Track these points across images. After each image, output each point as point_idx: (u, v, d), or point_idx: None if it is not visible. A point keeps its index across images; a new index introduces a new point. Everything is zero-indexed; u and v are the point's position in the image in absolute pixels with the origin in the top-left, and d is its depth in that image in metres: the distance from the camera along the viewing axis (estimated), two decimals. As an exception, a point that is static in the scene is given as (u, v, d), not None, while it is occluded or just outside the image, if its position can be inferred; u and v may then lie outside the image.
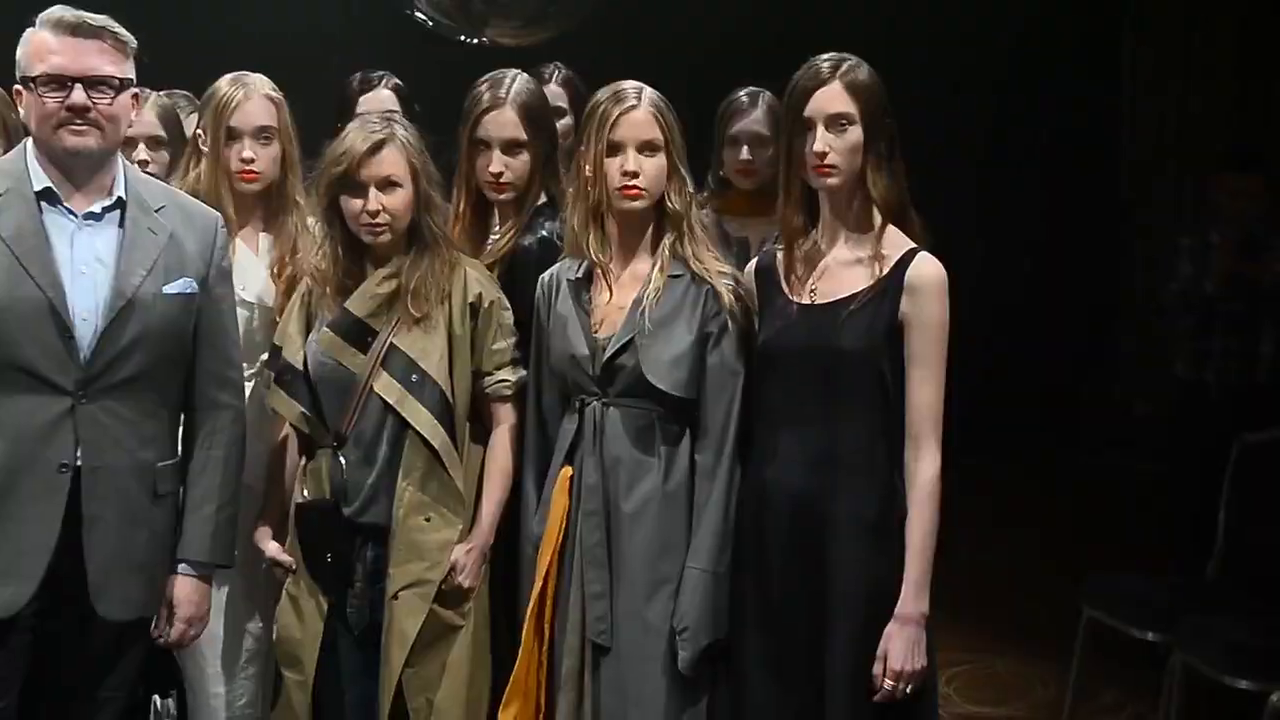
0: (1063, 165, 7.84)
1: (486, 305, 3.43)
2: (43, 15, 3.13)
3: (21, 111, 3.18)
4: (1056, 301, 7.50)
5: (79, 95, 3.08)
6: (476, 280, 3.45)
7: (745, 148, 4.11)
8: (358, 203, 3.35)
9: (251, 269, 3.65)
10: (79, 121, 3.10)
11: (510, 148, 3.53)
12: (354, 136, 3.39)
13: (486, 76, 3.61)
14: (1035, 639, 5.60)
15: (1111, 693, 5.28)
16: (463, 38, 5.34)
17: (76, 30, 3.10)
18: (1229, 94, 7.78)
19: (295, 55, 3.89)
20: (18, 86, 3.16)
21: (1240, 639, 4.60)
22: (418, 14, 5.32)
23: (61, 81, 3.08)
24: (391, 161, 3.36)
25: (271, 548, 3.50)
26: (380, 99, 4.33)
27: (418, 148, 3.44)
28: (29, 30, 3.14)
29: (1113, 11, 8.01)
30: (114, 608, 3.18)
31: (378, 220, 3.36)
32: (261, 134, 3.69)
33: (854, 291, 3.08)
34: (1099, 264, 7.93)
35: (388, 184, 3.36)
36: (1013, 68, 7.50)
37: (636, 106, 3.24)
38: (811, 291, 3.13)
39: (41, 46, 3.11)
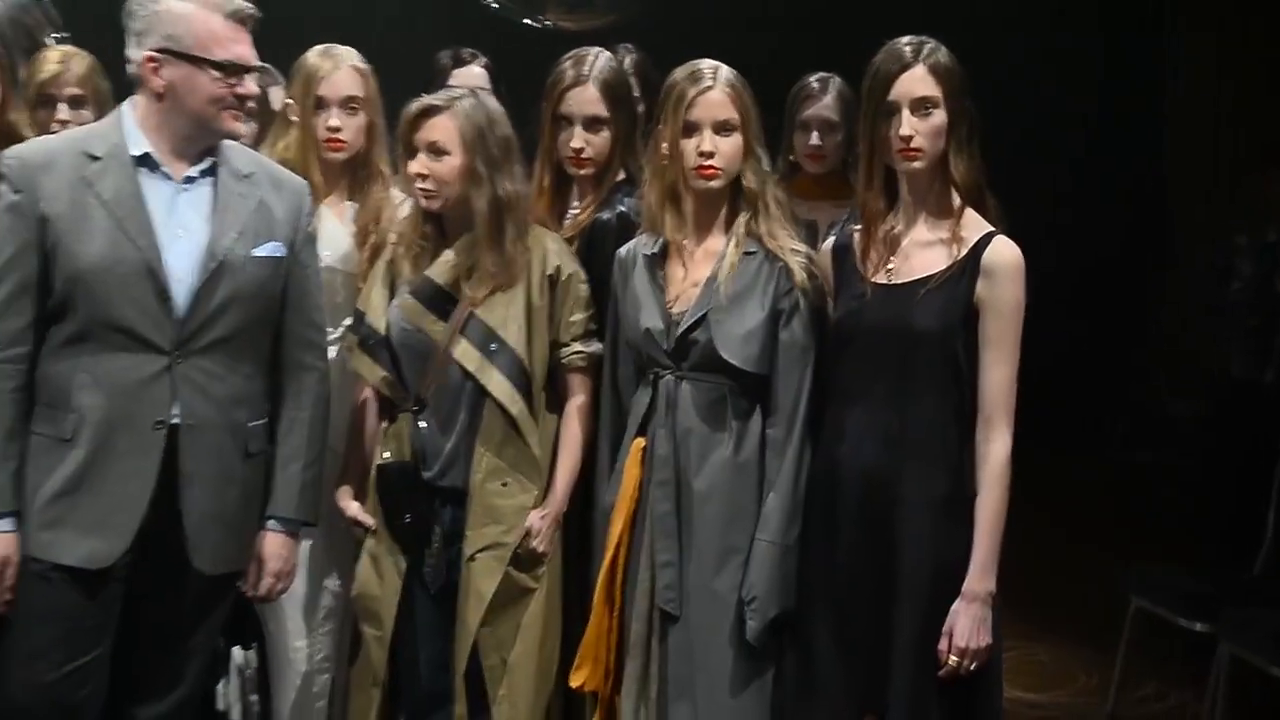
0: (1102, 161, 7.74)
1: (564, 278, 3.42)
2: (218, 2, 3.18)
3: (158, 81, 3.12)
4: (1101, 296, 7.39)
5: (252, 85, 3.14)
6: (555, 253, 3.43)
7: (815, 133, 4.07)
8: (411, 165, 3.39)
9: (337, 236, 3.65)
10: (239, 108, 3.14)
11: (591, 124, 3.50)
12: (417, 106, 3.41)
13: (570, 54, 3.60)
14: (1079, 628, 5.57)
15: (1153, 683, 5.22)
16: (525, 20, 5.35)
17: (248, 23, 3.16)
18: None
19: (370, 37, 3.84)
20: (151, 56, 3.11)
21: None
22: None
23: (240, 71, 3.10)
24: (442, 128, 3.36)
25: (353, 507, 3.51)
26: (471, 75, 4.35)
27: (481, 122, 3.39)
28: (193, 7, 3.11)
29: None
30: (207, 562, 3.19)
31: (425, 185, 3.37)
32: (348, 104, 3.69)
33: (931, 272, 3.03)
34: (1137, 259, 7.87)
35: (436, 149, 3.35)
36: (1054, 59, 7.42)
37: (713, 87, 3.19)
38: (888, 271, 3.08)
39: (222, 34, 3.12)
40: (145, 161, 3.12)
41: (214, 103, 3.12)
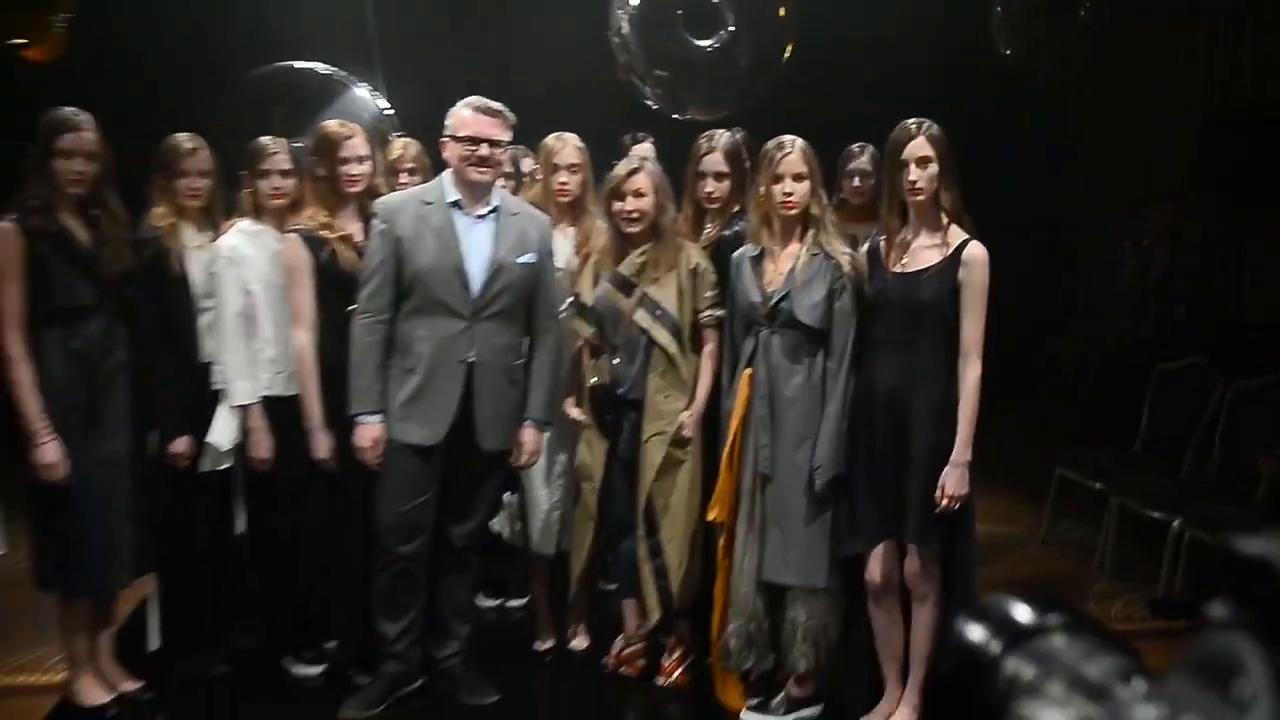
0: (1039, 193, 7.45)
1: (700, 271, 3.40)
2: (467, 100, 3.23)
3: (447, 153, 3.24)
4: (1038, 280, 7.21)
5: (484, 150, 3.18)
6: (695, 255, 3.43)
7: (856, 179, 4.05)
8: (619, 205, 3.38)
9: (563, 250, 3.63)
10: (482, 166, 3.20)
11: (718, 177, 3.47)
12: (621, 166, 3.43)
13: (705, 133, 3.54)
14: (1021, 489, 5.51)
15: (1069, 522, 5.19)
16: (674, 115, 5.35)
17: (484, 111, 3.21)
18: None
19: (575, 125, 3.89)
20: (442, 139, 3.24)
21: (1158, 487, 4.54)
22: (646, 100, 5.36)
23: (476, 142, 3.18)
24: (640, 182, 3.37)
25: (575, 412, 3.54)
26: (643, 148, 4.31)
27: (659, 177, 3.43)
28: (458, 107, 3.22)
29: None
30: (491, 443, 3.30)
31: (632, 215, 3.37)
32: (571, 168, 3.66)
33: (929, 265, 3.04)
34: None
35: (638, 194, 3.36)
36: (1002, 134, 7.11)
37: (791, 152, 3.19)
38: (902, 264, 3.09)
39: (465, 119, 3.20)
40: (456, 205, 3.21)
41: (462, 161, 3.19)
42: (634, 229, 3.38)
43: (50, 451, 3.09)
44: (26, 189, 3.13)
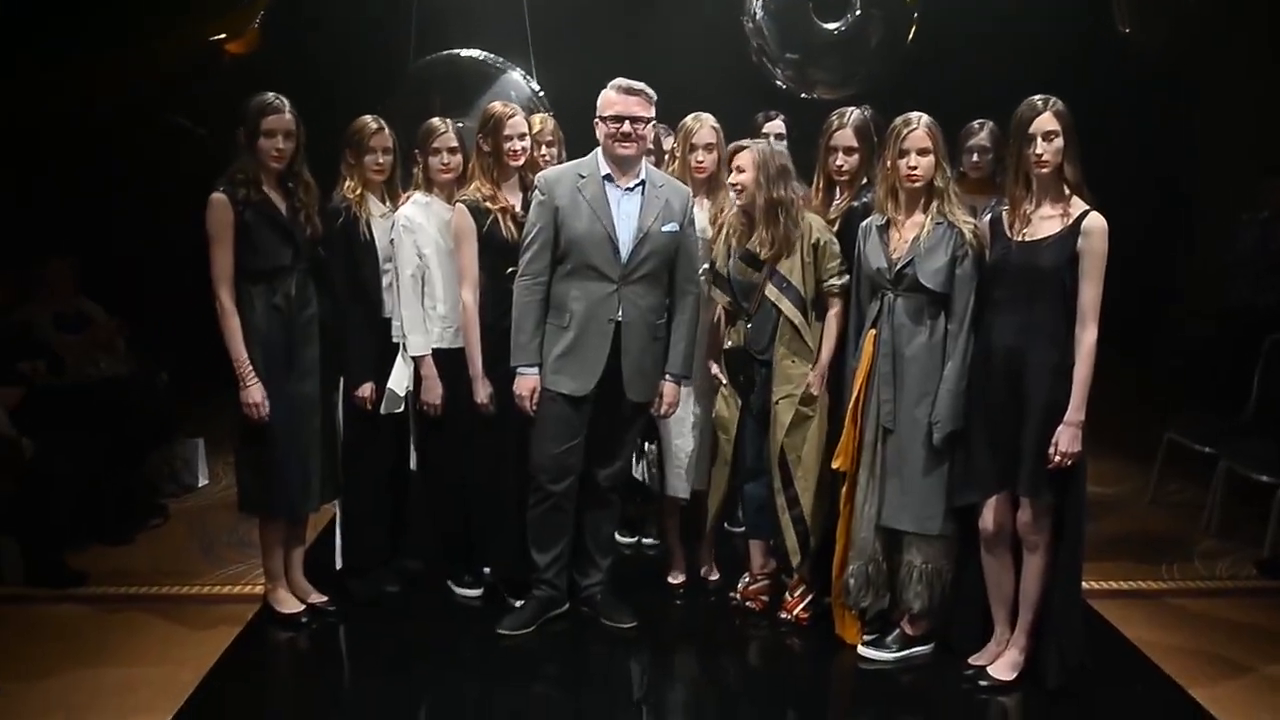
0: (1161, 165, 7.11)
1: (823, 244, 3.37)
2: (613, 82, 3.25)
3: (598, 133, 3.29)
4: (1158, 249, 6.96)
5: (626, 127, 3.22)
6: (817, 230, 3.38)
7: (975, 154, 3.94)
8: (727, 178, 3.40)
9: (700, 221, 3.60)
10: (626, 141, 3.24)
11: (848, 152, 3.43)
12: (733, 145, 3.41)
13: (836, 110, 3.49)
14: (1131, 450, 5.35)
15: (1177, 483, 5.02)
16: (803, 95, 5.30)
17: (627, 90, 3.24)
18: None
19: (710, 104, 3.88)
20: (596, 120, 3.28)
21: (1267, 451, 4.37)
22: (777, 81, 5.32)
23: (620, 119, 3.22)
24: (744, 159, 3.34)
25: (713, 369, 3.56)
26: (775, 125, 4.26)
27: (767, 155, 3.34)
28: (605, 90, 3.26)
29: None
30: (635, 395, 3.36)
31: (735, 187, 3.36)
32: (708, 146, 3.58)
33: (1049, 234, 2.99)
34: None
35: (738, 169, 3.34)
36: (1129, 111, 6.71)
37: (916, 128, 3.15)
38: (1023, 233, 3.04)
39: (610, 99, 3.24)
40: (608, 179, 3.27)
41: (609, 139, 3.24)
42: (740, 201, 3.36)
43: (255, 392, 3.31)
44: (235, 164, 3.32)
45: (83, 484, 4.10)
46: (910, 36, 5.18)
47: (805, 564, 3.51)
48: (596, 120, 3.29)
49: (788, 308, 3.36)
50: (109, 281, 5.08)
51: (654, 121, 3.35)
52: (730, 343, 3.53)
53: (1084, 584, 3.24)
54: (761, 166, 3.32)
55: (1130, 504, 4.97)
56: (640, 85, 3.26)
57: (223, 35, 5.28)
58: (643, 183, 3.33)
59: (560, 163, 3.65)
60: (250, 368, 3.29)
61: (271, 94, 3.35)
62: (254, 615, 3.61)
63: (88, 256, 4.89)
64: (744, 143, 3.41)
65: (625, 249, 3.29)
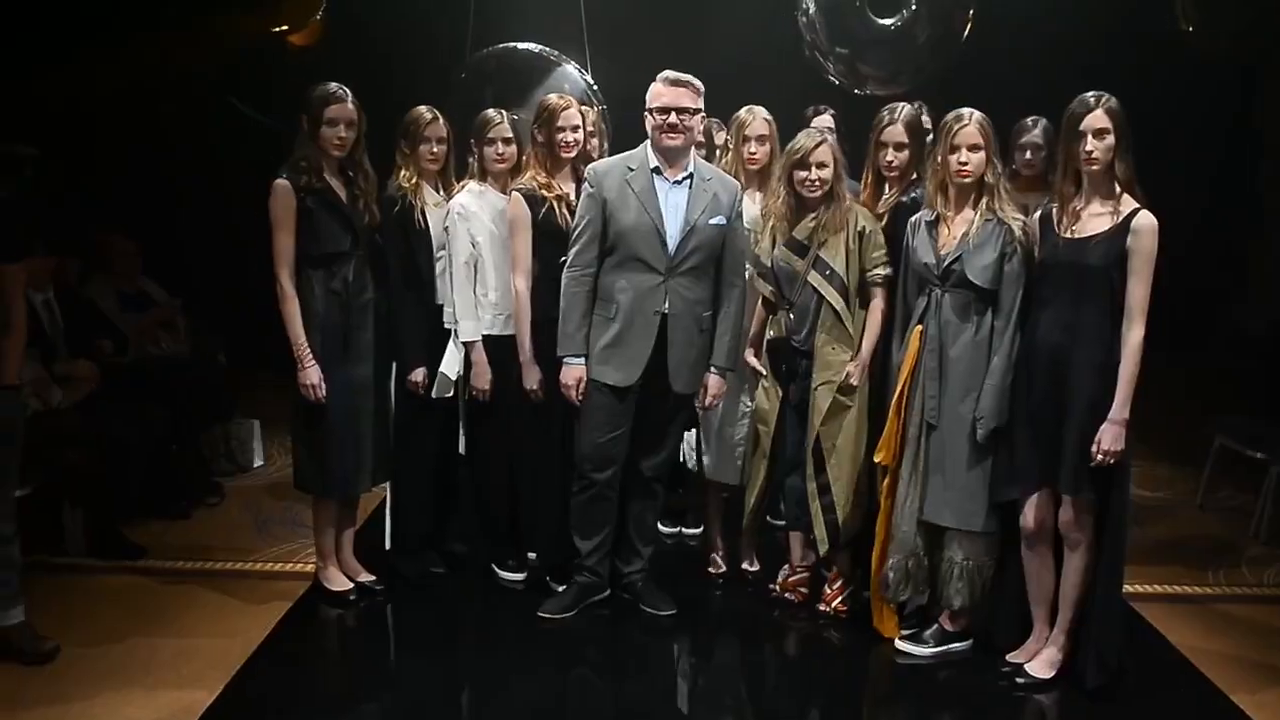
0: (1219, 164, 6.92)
1: (868, 234, 3.37)
2: (660, 74, 3.27)
3: (647, 125, 3.30)
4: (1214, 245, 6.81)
5: (673, 118, 3.23)
6: (863, 219, 3.39)
7: (1028, 152, 3.87)
8: (802, 174, 3.36)
9: (751, 212, 3.63)
10: (673, 132, 3.26)
11: (898, 147, 3.41)
12: (804, 138, 3.39)
13: (886, 106, 3.48)
14: (1181, 454, 5.30)
15: (1228, 489, 4.97)
16: (855, 90, 5.29)
17: (674, 83, 3.26)
18: None
19: (763, 99, 3.90)
20: (645, 112, 3.30)
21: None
22: (830, 76, 5.32)
23: (666, 110, 3.24)
24: (823, 154, 3.35)
25: (754, 361, 3.58)
26: (824, 120, 4.30)
27: (837, 148, 3.41)
28: (654, 83, 3.27)
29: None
30: (681, 386, 3.39)
31: (814, 183, 3.35)
32: (760, 139, 3.66)
33: (1098, 231, 2.98)
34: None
35: (820, 165, 3.34)
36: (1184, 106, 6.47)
37: (968, 124, 3.15)
38: (1072, 230, 3.03)
39: (657, 91, 3.26)
40: (657, 171, 3.29)
41: (656, 130, 3.26)
42: (814, 195, 3.37)
43: (313, 374, 3.42)
44: (297, 152, 3.42)
45: (145, 460, 4.24)
46: (966, 33, 5.14)
47: (837, 554, 3.54)
48: (645, 112, 3.32)
49: (831, 294, 3.36)
50: (170, 264, 5.22)
51: (702, 113, 3.36)
52: (772, 332, 3.55)
53: (1130, 588, 3.23)
54: (839, 160, 3.37)
55: (1179, 509, 4.93)
56: (687, 77, 3.28)
57: (285, 27, 5.42)
58: (691, 175, 3.35)
59: (603, 154, 3.69)
60: (308, 350, 3.39)
61: (334, 84, 3.45)
62: (305, 592, 3.73)
63: (149, 238, 5.02)
64: (816, 137, 3.38)
65: (672, 241, 3.31)
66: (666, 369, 3.36)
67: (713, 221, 3.35)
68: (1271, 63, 6.39)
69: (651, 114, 3.28)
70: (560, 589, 3.64)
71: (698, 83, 3.30)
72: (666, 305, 3.32)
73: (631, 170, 3.33)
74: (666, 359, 3.35)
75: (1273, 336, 5.82)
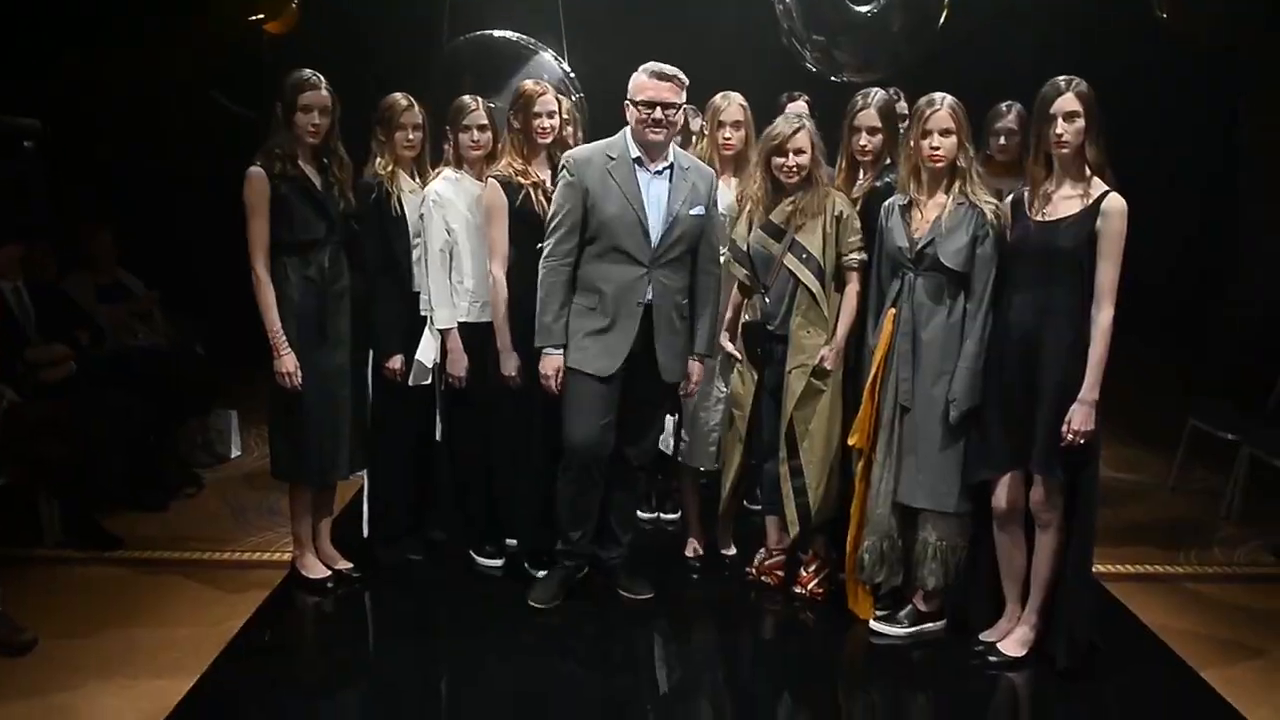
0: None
1: (845, 217, 3.38)
2: (645, 66, 3.25)
3: (629, 116, 3.28)
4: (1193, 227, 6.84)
5: (658, 113, 3.22)
6: (839, 203, 3.40)
7: (1002, 137, 3.91)
8: (780, 160, 3.38)
9: (726, 198, 3.67)
10: (656, 127, 3.24)
11: (871, 132, 3.42)
12: (783, 124, 3.40)
13: (860, 91, 3.49)
14: (1153, 436, 5.34)
15: (1199, 470, 5.00)
16: (831, 77, 5.31)
17: (659, 76, 3.24)
18: None
19: (739, 85, 3.90)
20: (626, 102, 3.29)
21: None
22: (807, 64, 5.32)
23: (651, 105, 3.22)
24: (801, 140, 3.36)
25: (729, 346, 3.61)
26: (798, 106, 4.31)
27: (815, 134, 3.42)
28: (636, 73, 3.25)
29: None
30: (668, 374, 3.39)
31: (792, 169, 3.37)
32: (735, 125, 3.69)
33: (1069, 214, 3.00)
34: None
35: (799, 151, 3.36)
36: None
37: (940, 109, 3.16)
38: (1043, 213, 3.05)
39: (642, 84, 3.24)
40: (638, 161, 3.28)
41: (640, 124, 3.24)
42: (792, 181, 3.39)
43: (289, 362, 3.41)
44: (271, 139, 3.41)
45: (123, 451, 4.22)
46: (941, 20, 5.15)
47: (808, 536, 3.56)
48: (627, 103, 3.30)
49: (807, 278, 3.37)
50: (147, 255, 5.19)
51: (688, 106, 3.37)
52: (747, 316, 3.56)
53: (1103, 568, 3.26)
54: (817, 145, 3.39)
55: (1152, 490, 4.97)
56: (673, 71, 3.26)
57: (262, 15, 5.39)
58: (671, 166, 3.34)
59: (579, 142, 3.68)
60: (284, 337, 3.39)
61: (308, 70, 3.44)
62: (282, 580, 3.72)
63: (125, 230, 5.00)
64: (795, 122, 3.40)
65: (656, 233, 3.31)
66: (650, 358, 3.36)
67: (693, 212, 3.35)
68: (1246, 49, 6.43)
69: (635, 106, 3.26)
70: (540, 575, 3.65)
71: (683, 76, 3.28)
72: (649, 296, 3.33)
73: (612, 159, 3.31)
74: (654, 349, 3.35)
75: (1247, 319, 5.86)
